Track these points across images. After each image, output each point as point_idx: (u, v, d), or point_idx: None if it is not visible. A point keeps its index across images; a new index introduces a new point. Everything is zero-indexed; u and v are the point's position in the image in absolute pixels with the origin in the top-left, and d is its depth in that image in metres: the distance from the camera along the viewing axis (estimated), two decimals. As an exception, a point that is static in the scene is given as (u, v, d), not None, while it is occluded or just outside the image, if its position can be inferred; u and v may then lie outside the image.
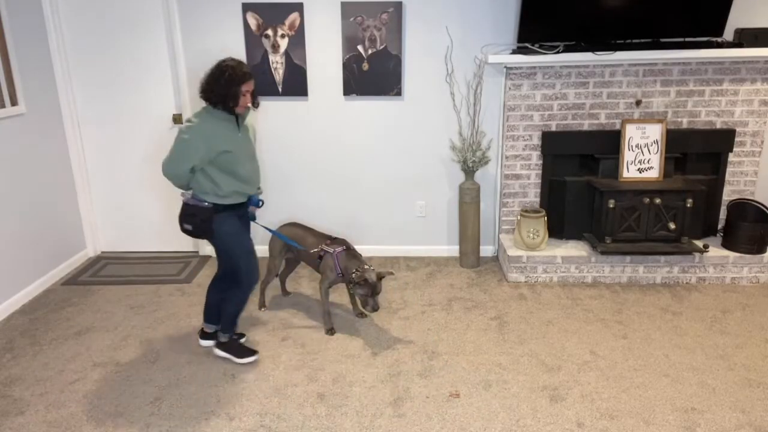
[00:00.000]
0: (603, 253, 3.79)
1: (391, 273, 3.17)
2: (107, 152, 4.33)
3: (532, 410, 2.60)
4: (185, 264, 4.31)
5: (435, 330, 3.31)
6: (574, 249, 3.95)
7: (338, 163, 4.28)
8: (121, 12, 4.02)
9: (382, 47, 3.96)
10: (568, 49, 3.71)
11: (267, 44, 3.98)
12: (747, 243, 3.80)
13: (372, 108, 4.14)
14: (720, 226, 4.11)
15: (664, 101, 3.90)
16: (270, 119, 4.18)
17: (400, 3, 3.87)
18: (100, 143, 4.31)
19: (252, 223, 3.08)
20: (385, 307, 3.60)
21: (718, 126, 3.94)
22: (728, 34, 3.83)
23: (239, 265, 2.86)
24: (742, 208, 3.97)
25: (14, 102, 3.65)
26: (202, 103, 2.74)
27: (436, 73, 4.06)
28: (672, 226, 3.75)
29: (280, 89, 4.08)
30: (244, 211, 2.92)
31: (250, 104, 2.74)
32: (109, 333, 3.33)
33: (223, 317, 2.98)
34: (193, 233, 2.78)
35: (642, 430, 2.46)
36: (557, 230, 4.13)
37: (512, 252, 3.94)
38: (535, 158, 4.05)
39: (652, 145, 3.84)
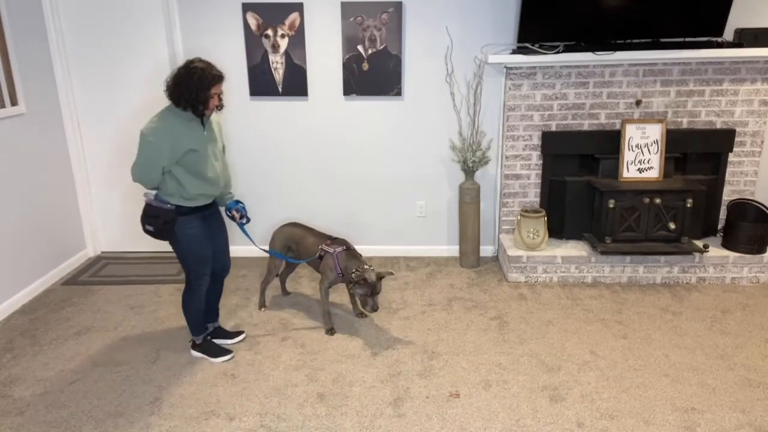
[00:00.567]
0: (603, 253, 3.79)
1: (391, 273, 3.17)
2: (107, 152, 4.33)
3: (532, 410, 2.60)
4: (185, 264, 4.31)
5: (435, 330, 3.31)
6: (574, 249, 3.95)
7: (338, 163, 4.28)
8: (121, 12, 4.02)
9: (382, 47, 3.96)
10: (568, 49, 3.71)
11: (267, 44, 3.98)
12: (747, 243, 3.80)
13: (372, 108, 4.14)
14: (720, 226, 4.11)
15: (664, 101, 3.90)
16: (270, 119, 4.18)
17: (400, 3, 3.87)
18: (100, 143, 4.31)
19: (240, 227, 3.05)
20: (385, 307, 3.60)
21: (718, 126, 3.94)
22: (728, 34, 3.83)
23: (190, 268, 2.84)
24: (742, 208, 3.97)
25: (14, 102, 3.65)
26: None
27: (436, 73, 4.06)
28: (672, 226, 3.75)
29: (280, 89, 4.08)
30: (209, 212, 2.88)
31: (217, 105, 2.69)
32: (109, 333, 3.33)
33: (187, 321, 2.98)
34: (155, 235, 2.74)
35: (642, 430, 2.46)
36: (557, 230, 4.13)
37: (512, 252, 3.94)
38: (535, 158, 4.05)
39: (652, 145, 3.84)
